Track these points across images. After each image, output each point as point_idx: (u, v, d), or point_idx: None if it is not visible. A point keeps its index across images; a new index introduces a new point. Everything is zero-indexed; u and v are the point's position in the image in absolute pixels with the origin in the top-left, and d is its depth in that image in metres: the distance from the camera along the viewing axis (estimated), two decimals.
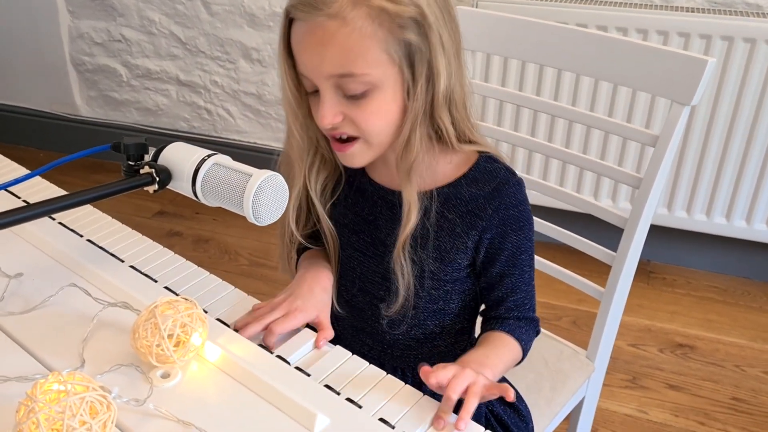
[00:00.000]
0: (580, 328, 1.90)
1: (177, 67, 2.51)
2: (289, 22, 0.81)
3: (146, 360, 0.66)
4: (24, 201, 1.08)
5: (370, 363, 0.99)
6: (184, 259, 0.98)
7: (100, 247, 0.97)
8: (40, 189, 1.13)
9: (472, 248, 0.91)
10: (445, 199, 0.89)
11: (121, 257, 0.96)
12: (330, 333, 0.85)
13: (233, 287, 0.93)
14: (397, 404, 0.74)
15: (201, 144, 2.66)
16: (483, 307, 1.00)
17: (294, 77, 0.83)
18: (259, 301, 0.91)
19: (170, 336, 0.64)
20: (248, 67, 2.41)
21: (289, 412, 0.64)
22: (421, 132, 0.84)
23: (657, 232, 2.02)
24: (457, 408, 0.75)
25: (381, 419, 0.71)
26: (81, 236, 1.00)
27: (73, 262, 0.84)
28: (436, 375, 0.75)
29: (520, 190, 0.90)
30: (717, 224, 1.97)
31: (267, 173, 0.72)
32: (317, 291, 0.91)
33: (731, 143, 1.85)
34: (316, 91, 0.82)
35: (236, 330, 0.81)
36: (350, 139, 0.85)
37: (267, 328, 0.83)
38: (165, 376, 0.66)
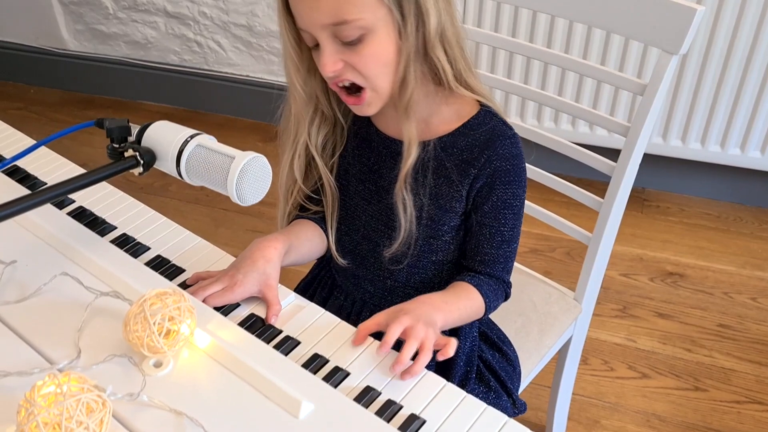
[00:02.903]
0: (573, 259, 1.93)
1: None
2: None
3: (138, 351, 0.69)
4: (13, 167, 1.09)
5: (371, 309, 1.03)
6: (176, 225, 1.00)
7: (93, 215, 0.98)
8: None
9: (464, 197, 0.95)
10: (443, 148, 0.93)
11: (113, 224, 0.98)
12: (277, 309, 0.85)
13: (225, 253, 0.95)
14: (385, 371, 0.77)
15: (194, 77, 2.62)
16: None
17: (294, 33, 0.87)
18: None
19: (160, 328, 0.67)
20: None
21: (275, 398, 0.67)
22: (415, 69, 0.87)
23: (652, 160, 2.02)
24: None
25: (368, 387, 0.75)
26: (73, 201, 1.01)
27: (66, 246, 0.85)
28: (388, 341, 0.79)
29: (515, 144, 0.93)
30: (711, 152, 1.97)
31: (250, 155, 0.73)
32: (260, 263, 0.88)
33: (727, 71, 1.82)
34: (317, 45, 0.85)
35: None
36: (358, 90, 0.88)
37: (204, 301, 0.84)
38: (158, 364, 0.69)
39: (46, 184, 1.05)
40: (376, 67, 0.85)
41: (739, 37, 1.76)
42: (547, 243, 1.98)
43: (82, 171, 1.09)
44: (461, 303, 0.93)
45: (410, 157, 0.90)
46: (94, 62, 2.69)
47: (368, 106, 0.90)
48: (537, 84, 1.96)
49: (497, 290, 0.99)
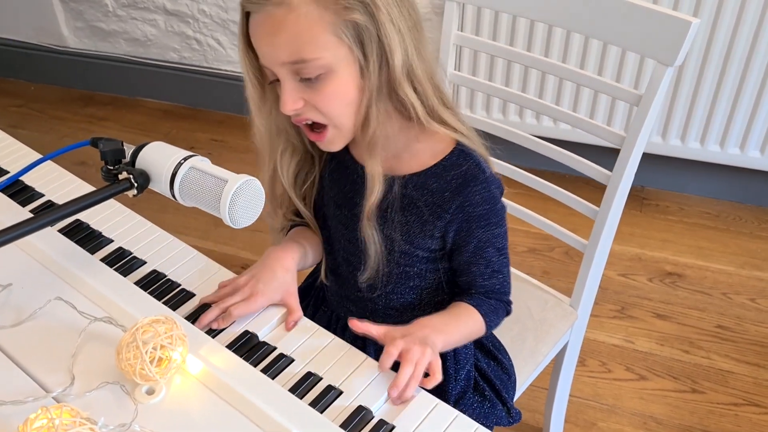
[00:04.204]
0: (572, 258, 1.94)
1: None
2: (246, 16, 0.82)
3: (131, 378, 0.70)
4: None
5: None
6: (173, 237, 1.00)
7: (89, 229, 0.99)
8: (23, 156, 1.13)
9: (438, 236, 0.94)
10: (414, 187, 0.92)
11: (110, 236, 0.99)
12: (298, 315, 0.89)
13: (221, 267, 0.96)
14: (377, 390, 0.78)
15: (194, 75, 2.61)
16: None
17: (256, 69, 0.85)
18: (233, 275, 0.94)
19: (152, 357, 0.68)
20: None
21: (266, 427, 0.68)
22: (378, 108, 0.85)
23: (651, 159, 2.02)
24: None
25: (360, 406, 0.75)
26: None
27: (60, 268, 0.86)
28: (388, 357, 0.81)
29: (488, 188, 0.91)
30: (711, 152, 1.96)
31: (243, 179, 0.73)
32: (279, 273, 0.92)
33: (727, 71, 1.82)
34: (278, 80, 0.83)
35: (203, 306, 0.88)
36: (320, 126, 0.86)
37: (226, 311, 0.87)
38: (150, 392, 0.71)
39: (43, 195, 1.06)
40: (337, 107, 0.83)
41: (738, 36, 1.75)
42: (546, 242, 1.98)
43: (78, 180, 1.10)
44: (461, 324, 0.94)
45: (373, 193, 0.89)
46: (94, 59, 2.69)
47: (330, 143, 0.89)
48: (535, 90, 1.96)
49: (497, 308, 0.99)
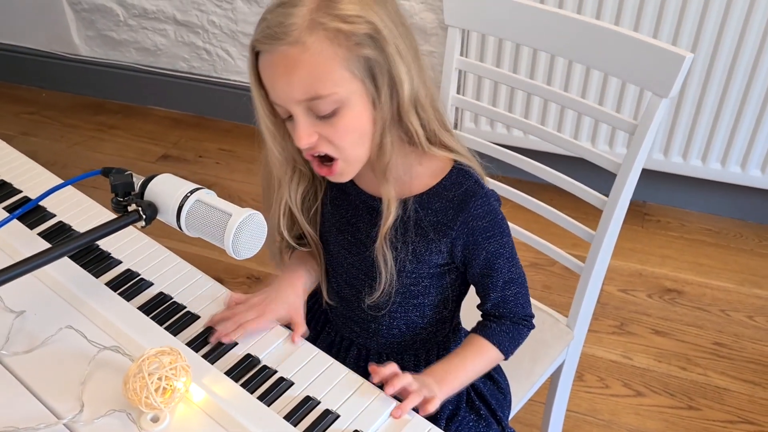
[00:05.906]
0: (573, 273, 1.95)
1: (173, 6, 2.48)
2: (255, 55, 0.85)
3: (136, 407, 0.74)
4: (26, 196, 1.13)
5: (359, 348, 1.07)
6: (180, 258, 1.04)
7: (99, 249, 1.02)
8: (43, 180, 1.17)
9: (446, 252, 0.97)
10: (418, 207, 0.95)
11: (119, 258, 1.02)
12: (304, 330, 0.95)
13: (226, 289, 0.99)
14: (373, 413, 0.81)
15: (203, 84, 2.65)
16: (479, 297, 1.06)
17: (269, 106, 0.88)
18: (240, 294, 0.99)
19: (156, 387, 0.71)
20: (245, 8, 2.38)
21: None
22: (392, 136, 0.89)
23: (653, 175, 2.04)
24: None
25: (356, 431, 0.79)
26: None
27: (72, 295, 0.90)
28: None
29: (488, 201, 0.95)
30: (712, 170, 1.99)
31: (246, 213, 0.76)
32: (291, 297, 1.00)
33: (729, 90, 1.84)
34: (290, 117, 0.86)
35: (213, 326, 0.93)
36: (330, 159, 0.89)
37: (240, 326, 0.92)
38: (155, 419, 0.74)
39: (54, 215, 1.09)
40: (351, 139, 0.86)
41: (740, 55, 1.77)
42: (547, 257, 2.00)
43: (89, 200, 1.13)
44: (469, 365, 0.98)
45: (390, 217, 0.92)
46: (105, 68, 2.73)
47: (340, 175, 0.91)
48: (538, 109, 1.99)
49: (514, 331, 1.02)
